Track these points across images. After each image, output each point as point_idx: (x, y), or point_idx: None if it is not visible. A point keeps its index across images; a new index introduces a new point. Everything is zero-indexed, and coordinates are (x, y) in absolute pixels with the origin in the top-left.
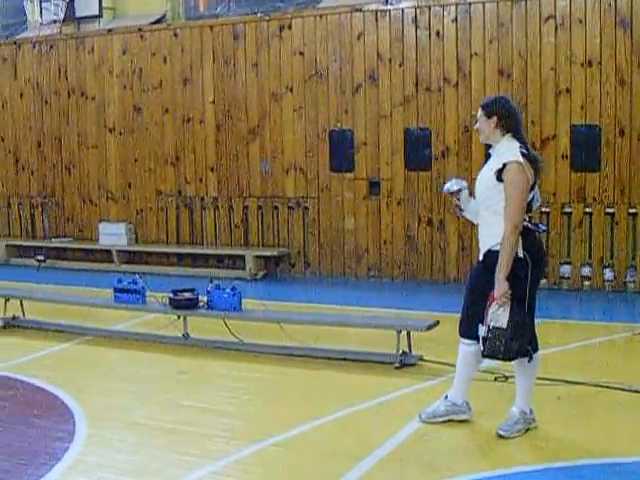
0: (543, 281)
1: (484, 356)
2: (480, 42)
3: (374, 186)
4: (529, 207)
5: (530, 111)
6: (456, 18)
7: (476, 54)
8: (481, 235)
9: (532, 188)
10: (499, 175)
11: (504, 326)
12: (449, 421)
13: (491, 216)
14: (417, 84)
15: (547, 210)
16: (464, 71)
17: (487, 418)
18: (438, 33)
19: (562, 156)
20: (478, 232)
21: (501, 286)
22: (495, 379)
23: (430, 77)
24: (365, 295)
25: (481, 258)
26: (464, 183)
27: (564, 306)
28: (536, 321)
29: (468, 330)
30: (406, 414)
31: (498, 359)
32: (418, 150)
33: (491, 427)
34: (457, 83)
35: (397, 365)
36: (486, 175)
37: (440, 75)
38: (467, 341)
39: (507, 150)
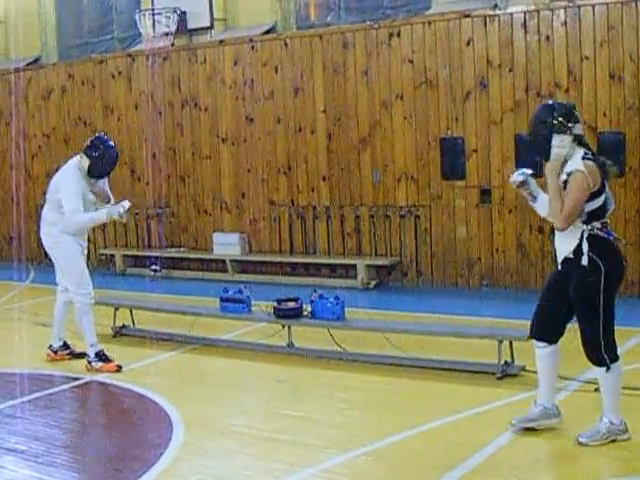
0: None
1: None
2: (590, 45)
3: (485, 194)
4: (604, 211)
5: None
6: (565, 22)
7: (586, 58)
8: (557, 243)
9: (600, 192)
10: (565, 185)
11: None
12: (544, 430)
13: None
14: (527, 89)
15: None
16: (575, 75)
17: (584, 429)
18: (548, 37)
19: None
20: (555, 240)
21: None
22: (595, 390)
23: (540, 82)
24: (476, 304)
25: (560, 267)
26: (528, 171)
27: None
28: None
29: (541, 332)
30: (503, 424)
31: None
32: (529, 157)
33: None
34: (568, 88)
35: (499, 375)
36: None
37: (551, 80)
38: (540, 344)
39: (573, 159)
